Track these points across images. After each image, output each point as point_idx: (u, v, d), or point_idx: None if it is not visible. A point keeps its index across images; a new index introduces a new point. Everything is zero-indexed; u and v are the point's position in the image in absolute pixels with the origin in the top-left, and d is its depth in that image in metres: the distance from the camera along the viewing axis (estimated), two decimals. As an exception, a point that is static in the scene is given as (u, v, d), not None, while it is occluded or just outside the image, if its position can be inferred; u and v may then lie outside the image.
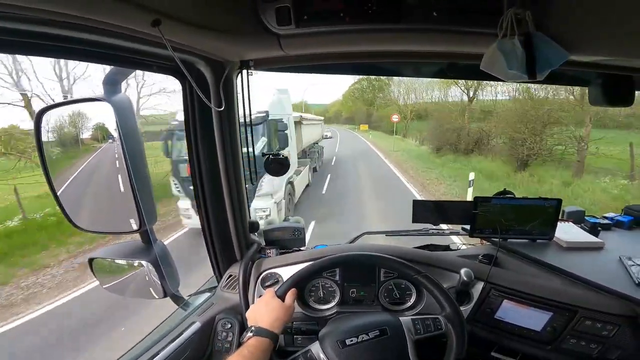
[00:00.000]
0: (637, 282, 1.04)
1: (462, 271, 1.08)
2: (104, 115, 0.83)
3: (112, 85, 0.83)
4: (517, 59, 0.75)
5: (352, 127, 55.94)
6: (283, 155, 1.18)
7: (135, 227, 0.95)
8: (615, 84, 1.02)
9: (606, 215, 1.47)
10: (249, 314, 0.93)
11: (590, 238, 1.28)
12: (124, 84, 0.85)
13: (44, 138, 0.82)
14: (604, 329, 1.02)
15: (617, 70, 0.97)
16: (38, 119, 0.81)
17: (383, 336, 0.90)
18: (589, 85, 1.08)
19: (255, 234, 1.34)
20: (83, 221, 0.95)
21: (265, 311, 0.91)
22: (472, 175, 8.83)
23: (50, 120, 0.82)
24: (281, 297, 0.95)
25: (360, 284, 1.21)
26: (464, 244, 1.43)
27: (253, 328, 0.85)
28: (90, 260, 1.08)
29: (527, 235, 1.26)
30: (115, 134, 0.84)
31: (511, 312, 1.10)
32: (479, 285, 1.13)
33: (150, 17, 0.58)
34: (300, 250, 1.38)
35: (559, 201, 1.20)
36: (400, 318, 0.96)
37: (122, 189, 0.91)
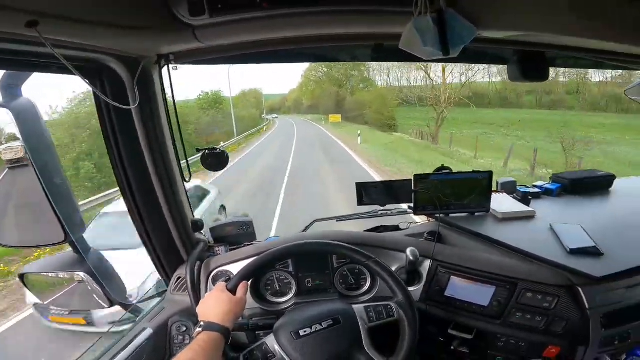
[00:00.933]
0: (568, 249, 1.10)
1: (408, 251, 1.10)
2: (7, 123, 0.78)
3: (9, 89, 0.77)
4: (431, 37, 0.76)
5: (316, 118, 41.28)
6: (220, 149, 1.15)
7: (61, 238, 0.90)
8: (531, 60, 1.06)
9: (535, 184, 1.56)
10: (199, 309, 0.91)
11: (522, 208, 1.35)
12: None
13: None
14: (544, 300, 1.04)
15: (530, 47, 1.01)
16: None
17: (336, 325, 0.91)
18: (508, 63, 1.13)
19: (202, 232, 1.31)
20: (7, 237, 0.89)
21: (215, 305, 0.89)
22: None
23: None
24: (232, 290, 0.94)
25: (314, 273, 1.21)
26: (411, 222, 1.47)
27: (202, 323, 0.84)
28: (22, 276, 1.02)
29: (466, 209, 1.32)
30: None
31: (459, 288, 1.13)
32: (427, 264, 1.15)
33: (24, 18, 0.53)
34: (250, 244, 1.37)
35: (491, 173, 1.26)
36: (354, 306, 0.97)
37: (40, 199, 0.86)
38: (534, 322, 1.06)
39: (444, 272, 1.14)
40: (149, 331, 1.09)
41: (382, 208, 1.46)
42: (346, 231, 1.30)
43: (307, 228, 1.53)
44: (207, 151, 1.14)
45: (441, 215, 1.29)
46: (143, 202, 1.11)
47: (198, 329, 0.83)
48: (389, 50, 1.13)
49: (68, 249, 1.01)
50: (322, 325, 0.91)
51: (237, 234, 1.37)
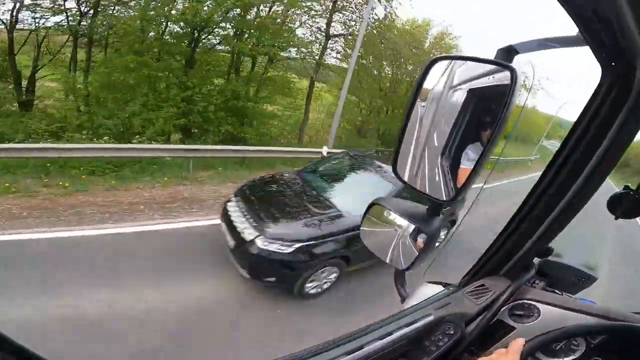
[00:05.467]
0: None
1: None
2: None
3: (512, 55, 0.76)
4: None
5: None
6: None
7: (443, 197, 0.92)
8: None
9: None
10: None
11: None
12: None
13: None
14: None
15: None
16: (427, 68, 0.83)
17: None
18: None
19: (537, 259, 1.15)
20: (403, 172, 0.98)
21: None
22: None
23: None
24: None
25: (612, 358, 0.97)
26: None
27: None
28: (372, 204, 1.14)
29: None
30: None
31: None
32: None
33: None
34: (568, 295, 1.12)
35: None
36: None
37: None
38: None
39: None
40: (431, 318, 1.06)
41: None
42: None
43: None
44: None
45: None
46: (545, 202, 0.98)
47: None
48: None
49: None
50: None
51: (564, 280, 1.14)
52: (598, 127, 0.80)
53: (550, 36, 0.70)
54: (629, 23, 0.56)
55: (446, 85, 0.90)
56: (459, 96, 0.88)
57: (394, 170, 0.98)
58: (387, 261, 1.10)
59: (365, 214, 1.16)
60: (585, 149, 0.83)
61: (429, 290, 1.22)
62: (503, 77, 0.75)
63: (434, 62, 0.83)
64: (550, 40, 0.70)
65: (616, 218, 0.93)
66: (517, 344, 0.88)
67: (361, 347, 0.90)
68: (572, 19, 0.59)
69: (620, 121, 0.76)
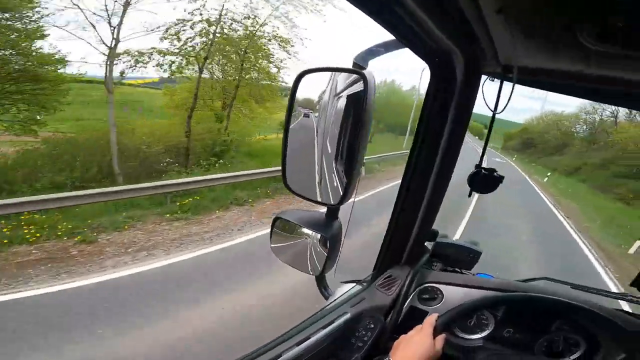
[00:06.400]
0: None
1: None
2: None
3: (367, 60, 0.82)
4: None
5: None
6: (497, 173, 1.03)
7: (332, 201, 0.95)
8: None
9: None
10: (397, 343, 0.91)
11: None
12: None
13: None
14: None
15: None
16: (297, 81, 0.86)
17: None
18: None
19: (429, 242, 1.24)
20: (294, 183, 0.99)
21: (413, 351, 0.88)
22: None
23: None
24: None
25: (520, 327, 1.07)
26: None
27: None
28: (276, 219, 1.14)
29: None
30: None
31: None
32: None
33: None
34: (463, 273, 1.24)
35: None
36: None
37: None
38: None
39: None
40: (348, 316, 1.08)
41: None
42: (592, 302, 1.03)
43: (529, 280, 1.29)
44: (483, 170, 1.03)
45: None
46: (414, 191, 1.09)
47: None
48: None
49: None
50: None
51: (458, 258, 1.25)
52: (438, 113, 0.91)
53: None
54: (429, 26, 0.65)
55: (330, 95, 0.94)
56: (340, 104, 0.93)
57: (285, 183, 0.99)
58: (309, 271, 1.10)
59: (271, 230, 1.14)
60: (433, 134, 0.95)
61: (344, 289, 1.25)
62: (360, 83, 0.81)
63: (302, 75, 0.86)
64: (380, 45, 0.77)
65: (470, 194, 1.07)
66: (430, 319, 0.96)
67: (279, 356, 0.88)
68: (385, 28, 0.66)
69: (455, 104, 0.87)
